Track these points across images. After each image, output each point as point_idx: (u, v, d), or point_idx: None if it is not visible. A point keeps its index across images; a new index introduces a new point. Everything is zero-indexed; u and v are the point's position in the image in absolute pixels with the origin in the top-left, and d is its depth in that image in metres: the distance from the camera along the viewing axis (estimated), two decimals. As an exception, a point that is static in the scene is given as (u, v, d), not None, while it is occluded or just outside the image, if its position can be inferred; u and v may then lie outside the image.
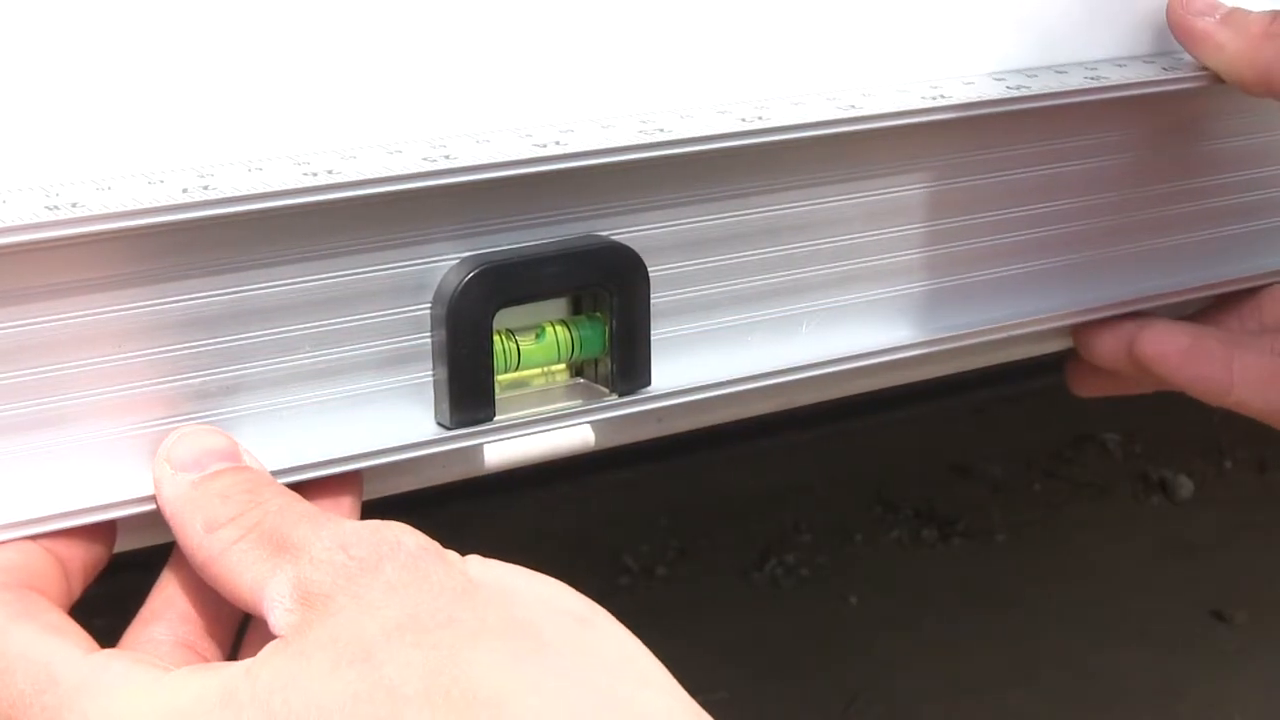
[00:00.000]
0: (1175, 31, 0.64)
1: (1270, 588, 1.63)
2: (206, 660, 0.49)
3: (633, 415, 0.57)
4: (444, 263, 0.53)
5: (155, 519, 0.50)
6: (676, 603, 1.58)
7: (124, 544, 0.52)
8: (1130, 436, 1.87)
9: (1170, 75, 0.63)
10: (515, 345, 0.55)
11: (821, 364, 0.60)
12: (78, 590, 0.50)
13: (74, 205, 0.46)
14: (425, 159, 0.50)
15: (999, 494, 1.78)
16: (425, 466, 0.55)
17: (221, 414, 0.51)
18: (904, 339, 0.62)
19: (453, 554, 0.46)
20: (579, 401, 0.56)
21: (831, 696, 1.47)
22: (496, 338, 0.54)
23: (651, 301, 0.56)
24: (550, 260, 0.54)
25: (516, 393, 0.56)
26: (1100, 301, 0.66)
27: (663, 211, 0.56)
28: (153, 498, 0.50)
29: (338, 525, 0.46)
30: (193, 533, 0.48)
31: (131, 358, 0.49)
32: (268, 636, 0.45)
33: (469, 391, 0.53)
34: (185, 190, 0.47)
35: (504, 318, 0.54)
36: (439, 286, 0.53)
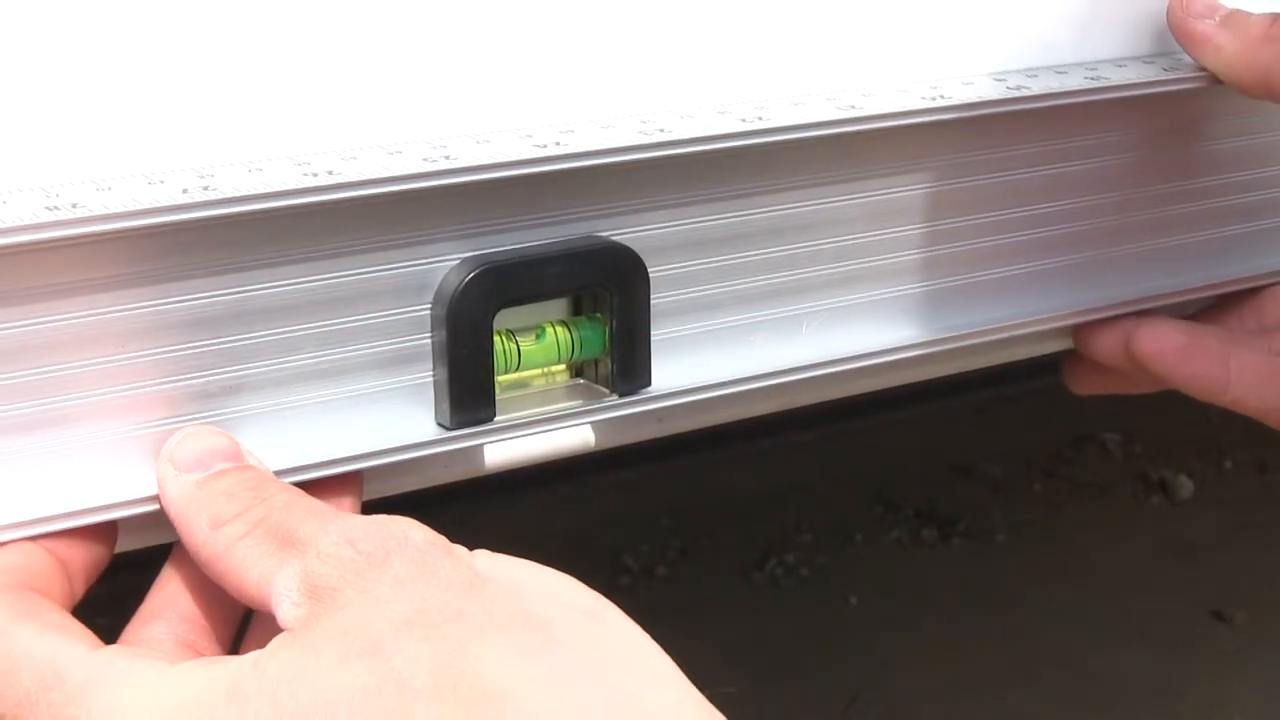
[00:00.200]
0: (1175, 33, 0.64)
1: (1270, 588, 1.63)
2: None
3: (633, 415, 0.57)
4: (444, 263, 0.53)
5: (157, 519, 0.50)
6: (677, 603, 1.58)
7: (125, 544, 0.52)
8: (1130, 436, 1.87)
9: (1170, 76, 0.63)
10: (515, 346, 0.55)
11: (822, 364, 0.60)
12: (80, 591, 0.50)
13: (74, 206, 0.46)
14: (425, 159, 0.50)
15: (999, 494, 1.78)
16: (426, 467, 0.55)
17: (222, 414, 0.51)
18: (905, 339, 0.62)
19: (460, 548, 0.46)
20: (579, 402, 0.56)
21: (831, 696, 1.47)
22: (497, 338, 0.54)
23: (652, 302, 0.56)
24: (550, 261, 0.54)
25: (517, 393, 0.56)
26: (1101, 302, 0.66)
27: (663, 212, 0.56)
28: (155, 498, 0.50)
29: (345, 520, 0.46)
30: (198, 530, 0.48)
31: (133, 358, 0.49)
32: (269, 634, 0.45)
33: (469, 392, 0.53)
34: (185, 191, 0.47)
35: (504, 318, 0.54)
36: (439, 287, 0.53)
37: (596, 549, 1.63)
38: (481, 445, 0.55)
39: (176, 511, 0.49)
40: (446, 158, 0.51)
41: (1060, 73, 0.62)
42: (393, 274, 0.52)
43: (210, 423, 0.51)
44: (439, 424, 0.54)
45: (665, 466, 1.64)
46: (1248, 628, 1.59)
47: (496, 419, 0.54)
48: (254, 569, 0.46)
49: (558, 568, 0.47)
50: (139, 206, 0.46)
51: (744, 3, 0.57)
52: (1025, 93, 0.60)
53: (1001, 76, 0.61)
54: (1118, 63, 0.64)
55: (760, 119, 0.55)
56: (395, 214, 0.51)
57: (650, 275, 0.56)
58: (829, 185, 0.59)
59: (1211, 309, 0.70)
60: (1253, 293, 0.70)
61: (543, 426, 0.55)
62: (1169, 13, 0.64)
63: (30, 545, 0.49)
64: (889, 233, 0.61)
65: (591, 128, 0.54)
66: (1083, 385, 0.72)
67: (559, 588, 0.45)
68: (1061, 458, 1.85)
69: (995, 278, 0.64)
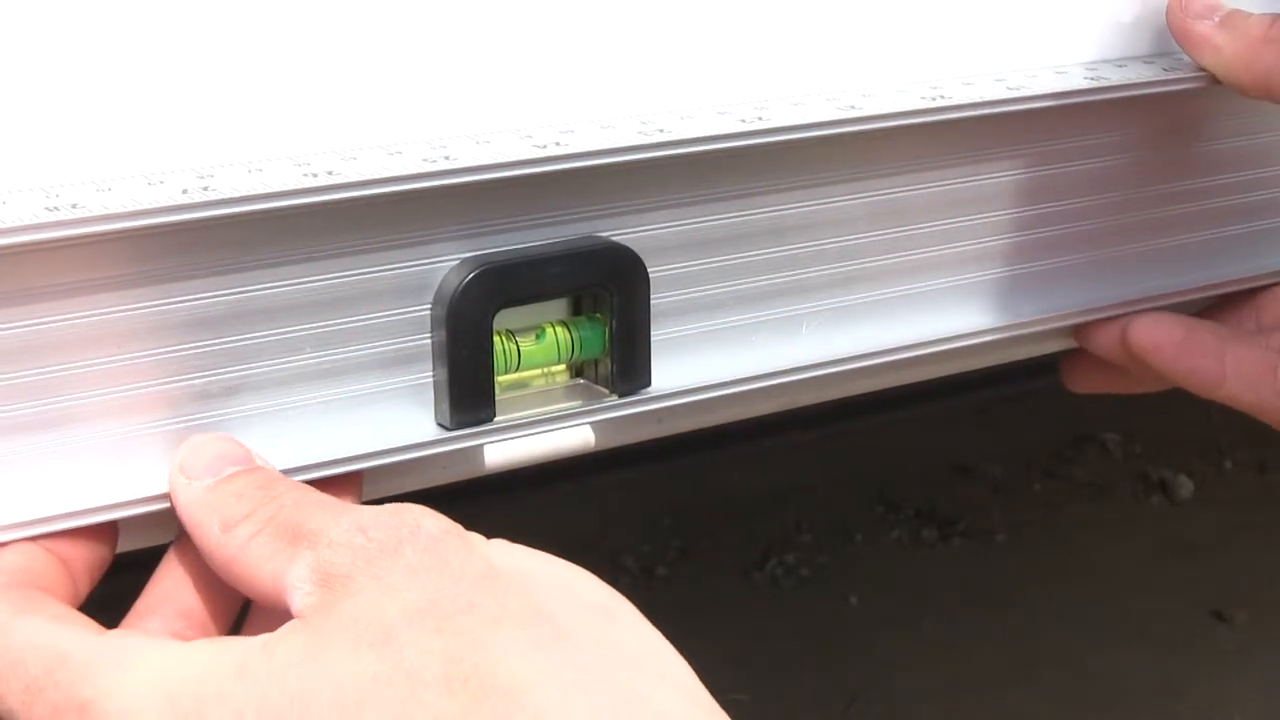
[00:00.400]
0: (1174, 34, 0.64)
1: (1270, 588, 1.63)
2: None
3: (633, 416, 0.57)
4: (444, 263, 0.53)
5: (158, 519, 0.50)
6: (677, 603, 1.58)
7: (126, 544, 0.52)
8: (1130, 436, 1.87)
9: (1170, 76, 0.63)
10: (515, 346, 0.55)
11: (823, 364, 0.60)
12: (85, 590, 0.50)
13: (74, 206, 0.46)
14: (425, 160, 0.50)
15: (999, 494, 1.78)
16: (426, 467, 0.55)
17: (223, 414, 0.51)
18: (905, 339, 0.62)
19: (476, 536, 0.46)
20: (579, 402, 0.56)
21: (831, 696, 1.47)
22: (497, 338, 0.54)
23: (652, 302, 0.56)
24: (550, 261, 0.54)
25: (517, 393, 0.56)
26: (1100, 302, 0.66)
27: (663, 212, 0.56)
28: (156, 498, 0.50)
29: (356, 510, 0.46)
30: (210, 534, 0.47)
31: (133, 358, 0.49)
32: (266, 629, 0.45)
33: (469, 392, 0.53)
34: (185, 191, 0.47)
35: (504, 318, 0.54)
36: (439, 287, 0.53)
37: (596, 549, 1.63)
38: (481, 445, 0.55)
39: (189, 518, 0.48)
40: (446, 158, 0.51)
41: (1060, 72, 0.62)
42: (393, 274, 0.52)
43: (211, 423, 0.51)
44: (439, 424, 0.54)
45: (665, 466, 1.64)
46: (1248, 628, 1.59)
47: (496, 419, 0.54)
48: (267, 565, 0.46)
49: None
50: (139, 207, 0.46)
51: (744, 3, 0.57)
52: (1025, 93, 0.60)
53: (1001, 76, 0.61)
54: (1118, 63, 0.64)
55: (760, 119, 0.55)
56: (395, 214, 0.51)
57: (650, 275, 0.56)
58: (829, 185, 0.59)
59: (1210, 309, 0.70)
60: (1251, 293, 0.70)
61: (543, 426, 0.56)
62: (1168, 13, 0.64)
63: (31, 546, 0.49)
64: (889, 233, 0.61)
65: (591, 128, 0.54)
66: (1081, 383, 0.72)
67: (574, 582, 0.45)
68: (1061, 458, 1.85)
69: (995, 278, 0.64)
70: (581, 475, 1.55)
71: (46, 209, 0.46)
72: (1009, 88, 0.60)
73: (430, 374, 0.54)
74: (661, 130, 0.54)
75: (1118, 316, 0.66)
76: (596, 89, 0.55)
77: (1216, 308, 0.70)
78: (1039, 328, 0.65)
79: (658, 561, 1.65)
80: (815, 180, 0.58)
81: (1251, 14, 0.63)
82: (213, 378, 0.50)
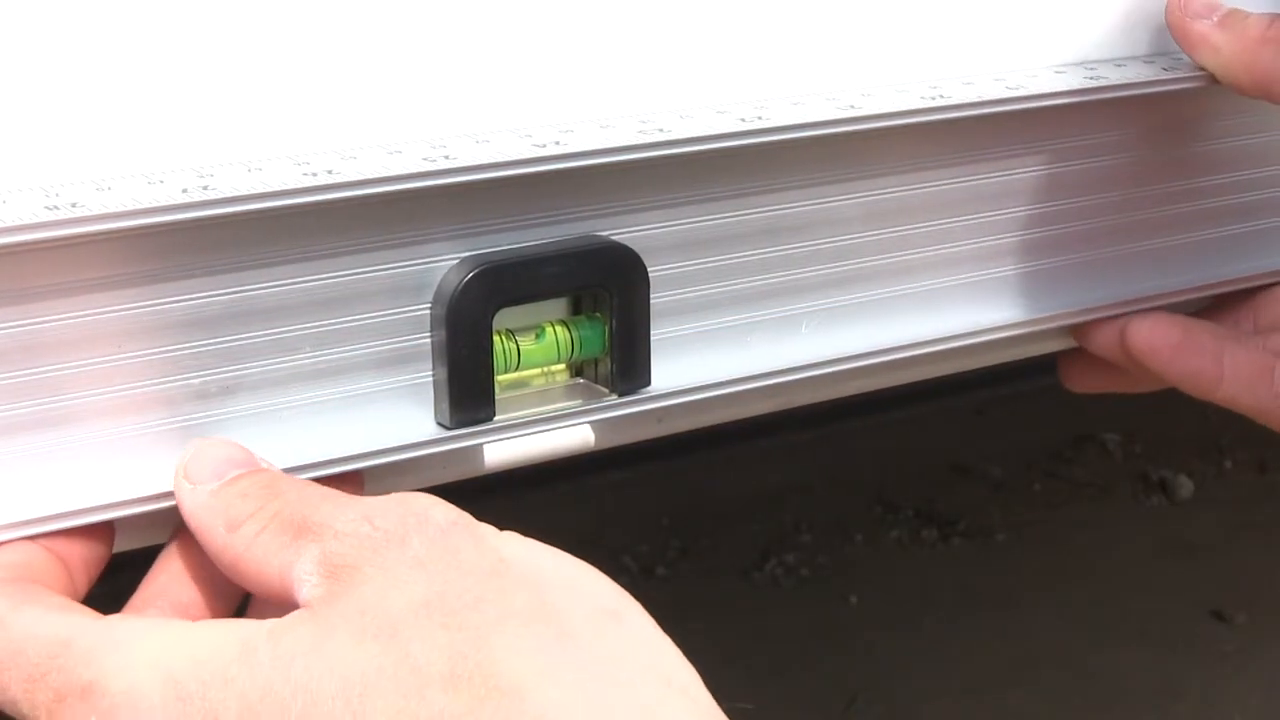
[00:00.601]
0: (1173, 33, 0.64)
1: (1270, 588, 1.63)
2: None
3: (632, 415, 0.57)
4: (444, 263, 0.53)
5: (155, 519, 0.50)
6: (677, 603, 1.58)
7: (124, 544, 0.52)
8: (1130, 436, 1.87)
9: (1169, 75, 0.63)
10: (515, 345, 0.55)
11: (821, 364, 0.60)
12: (83, 587, 0.50)
13: (74, 205, 0.46)
14: (425, 159, 0.50)
15: (999, 494, 1.78)
16: (425, 466, 0.55)
17: (220, 414, 0.51)
18: (904, 339, 0.62)
19: (487, 528, 0.46)
20: (579, 401, 0.56)
21: (831, 696, 1.47)
22: (496, 338, 0.54)
23: (651, 301, 0.56)
24: (550, 260, 0.54)
25: (516, 393, 0.56)
26: (1099, 302, 0.66)
27: (662, 211, 0.56)
28: (154, 497, 0.50)
29: (361, 500, 0.46)
30: (217, 535, 0.47)
31: (131, 358, 0.49)
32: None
33: (469, 391, 0.53)
34: (185, 190, 0.47)
35: (504, 318, 0.54)
36: (439, 286, 0.53)
37: (596, 549, 1.63)
38: (481, 445, 0.55)
39: (195, 522, 0.48)
40: (446, 157, 0.51)
41: (1060, 72, 0.62)
42: (392, 273, 0.52)
43: (210, 422, 0.51)
44: (438, 424, 0.54)
45: (664, 466, 1.64)
46: (1248, 628, 1.59)
47: (496, 419, 0.54)
48: (274, 560, 0.46)
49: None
50: (139, 206, 0.46)
51: (744, 3, 0.57)
52: (1024, 92, 0.60)
53: (1001, 76, 0.61)
54: (1116, 62, 0.64)
55: (759, 119, 0.55)
56: (395, 214, 0.51)
57: (650, 275, 0.56)
58: (829, 185, 0.59)
59: (1208, 309, 0.70)
60: (1249, 293, 0.70)
61: (542, 426, 0.56)
62: (1167, 13, 0.64)
63: (29, 544, 0.49)
64: (888, 233, 0.61)
65: (590, 128, 0.54)
66: (1079, 383, 0.72)
67: (583, 581, 0.45)
68: (1061, 458, 1.85)
69: (994, 277, 0.64)
70: (580, 475, 1.55)
71: (46, 208, 0.46)
72: (1008, 87, 0.60)
73: (430, 373, 0.54)
74: (661, 130, 0.54)
75: (1116, 316, 0.66)
76: (596, 88, 0.55)
77: (1214, 308, 0.70)
78: (1037, 327, 0.65)
79: (657, 561, 1.65)
80: (815, 180, 0.58)
81: (1250, 14, 0.63)
82: (210, 377, 0.50)
